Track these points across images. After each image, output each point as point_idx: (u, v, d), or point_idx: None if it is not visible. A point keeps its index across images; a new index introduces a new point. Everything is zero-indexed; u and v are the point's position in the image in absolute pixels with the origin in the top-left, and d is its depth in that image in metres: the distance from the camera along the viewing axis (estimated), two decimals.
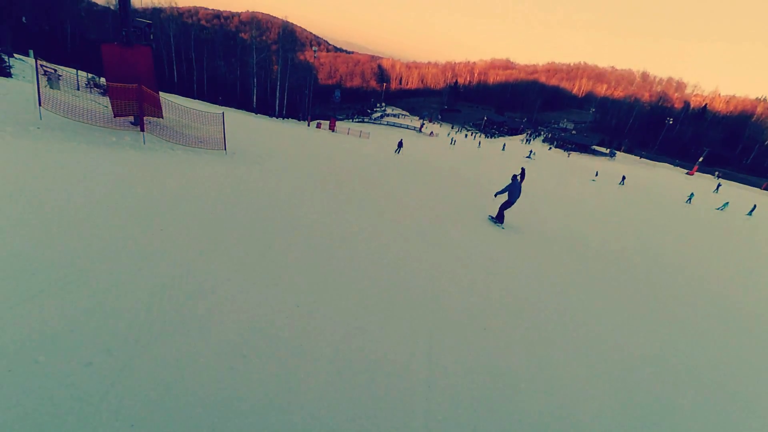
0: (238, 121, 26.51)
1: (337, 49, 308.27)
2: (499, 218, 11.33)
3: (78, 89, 18.48)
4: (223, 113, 13.63)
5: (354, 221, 8.96)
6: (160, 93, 13.17)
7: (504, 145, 74.47)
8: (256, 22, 57.39)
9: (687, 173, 71.26)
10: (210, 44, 65.83)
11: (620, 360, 5.04)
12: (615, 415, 3.90)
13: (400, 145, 34.56)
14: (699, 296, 9.05)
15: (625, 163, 75.13)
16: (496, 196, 11.67)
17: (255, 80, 57.28)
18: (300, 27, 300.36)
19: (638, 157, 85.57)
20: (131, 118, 12.69)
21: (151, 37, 13.45)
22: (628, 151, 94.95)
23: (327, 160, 18.83)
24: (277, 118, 54.85)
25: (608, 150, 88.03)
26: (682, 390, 4.66)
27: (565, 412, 3.77)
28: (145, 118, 11.72)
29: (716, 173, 72.75)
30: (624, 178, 43.09)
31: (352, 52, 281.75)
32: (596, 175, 46.39)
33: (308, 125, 49.53)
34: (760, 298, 10.00)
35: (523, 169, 10.92)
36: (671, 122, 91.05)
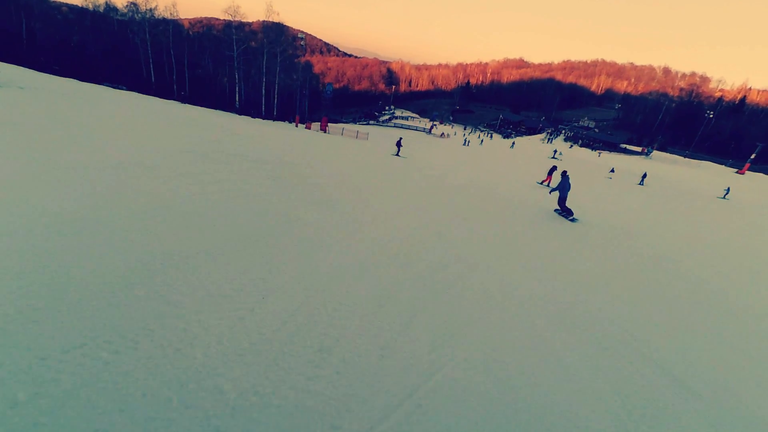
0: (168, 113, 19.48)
1: (346, 55, 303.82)
2: (566, 212, 11.99)
3: None
4: None
5: None
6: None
7: (513, 143, 69.43)
8: (236, 12, 50.12)
9: (737, 172, 62.10)
10: (193, 43, 59.65)
11: None
12: None
13: (399, 144, 27.21)
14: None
15: (665, 162, 66.45)
16: (550, 193, 13.14)
17: (237, 76, 50.53)
18: (310, 34, 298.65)
19: (682, 157, 75.57)
20: None
21: None
22: (661, 148, 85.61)
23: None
24: (264, 119, 48.04)
25: (644, 148, 78.89)
26: None
27: None
28: None
29: None
30: (645, 175, 35.25)
31: (361, 58, 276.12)
32: (611, 171, 41.19)
33: (296, 126, 42.62)
34: None
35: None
36: (711, 116, 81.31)
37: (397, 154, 26.35)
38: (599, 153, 70.41)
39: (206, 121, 20.31)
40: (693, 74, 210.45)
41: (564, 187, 11.76)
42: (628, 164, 55.85)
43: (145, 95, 42.46)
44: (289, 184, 9.28)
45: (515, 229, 9.65)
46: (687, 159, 72.31)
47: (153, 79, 53.31)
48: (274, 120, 51.03)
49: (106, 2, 62.33)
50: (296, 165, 12.49)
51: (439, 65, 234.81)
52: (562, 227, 10.67)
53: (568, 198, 12.04)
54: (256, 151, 13.59)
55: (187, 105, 37.45)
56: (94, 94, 20.08)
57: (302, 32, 49.93)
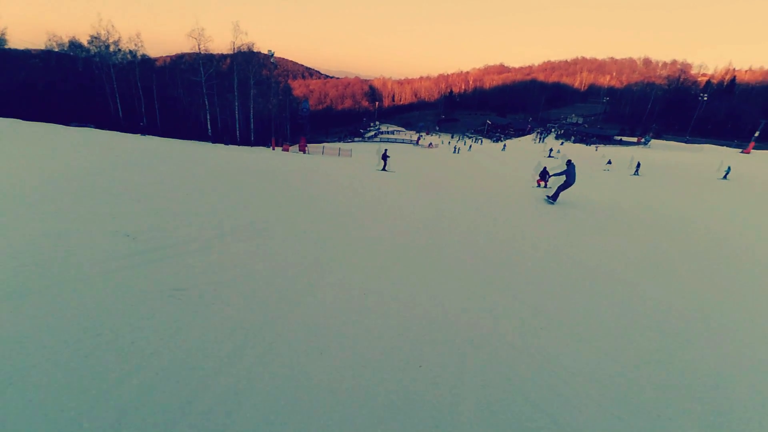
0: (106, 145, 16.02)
1: (328, 77, 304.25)
2: (554, 197, 12.28)
3: None
4: None
5: None
6: None
7: (504, 146, 70.20)
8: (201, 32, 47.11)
9: (742, 152, 59.33)
10: (162, 75, 56.82)
11: None
12: None
13: (385, 157, 23.93)
14: None
15: (665, 149, 63.98)
16: (552, 175, 12.78)
17: (207, 103, 47.47)
18: (291, 60, 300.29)
19: (683, 143, 72.82)
20: None
21: None
22: (656, 136, 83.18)
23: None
24: (239, 145, 44.89)
25: (640, 138, 76.54)
26: None
27: None
28: None
29: None
30: (639, 165, 33.13)
31: (343, 78, 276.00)
32: (608, 163, 40.85)
33: (273, 149, 39.55)
34: None
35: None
36: (705, 98, 79.05)
37: (384, 169, 23.13)
38: (596, 147, 67.81)
39: (143, 150, 17.00)
40: (674, 62, 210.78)
41: (570, 173, 11.74)
42: (626, 155, 53.39)
43: (107, 131, 39.30)
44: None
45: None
46: (689, 144, 69.59)
47: (121, 114, 50.18)
48: (251, 146, 47.92)
49: (71, 41, 59.57)
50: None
51: (421, 78, 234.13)
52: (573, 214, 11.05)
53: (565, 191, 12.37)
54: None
55: (148, 137, 34.17)
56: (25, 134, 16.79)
57: (271, 50, 46.57)
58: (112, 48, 52.98)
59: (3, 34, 54.21)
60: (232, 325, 3.53)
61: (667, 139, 79.33)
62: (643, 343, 3.79)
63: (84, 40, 56.53)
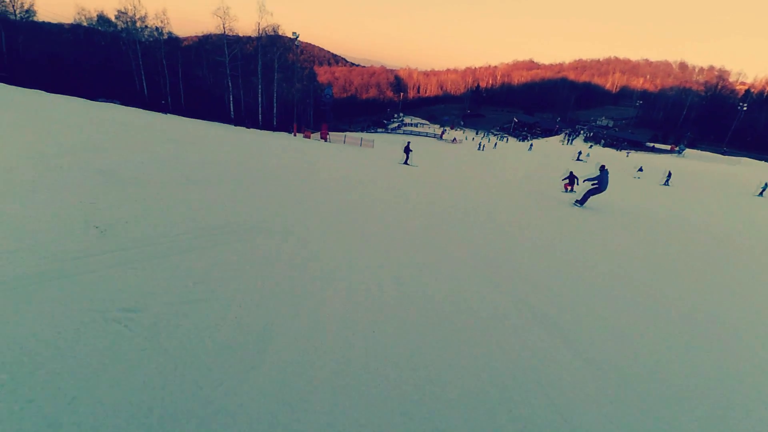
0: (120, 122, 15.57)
1: (353, 65, 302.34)
2: (582, 201, 12.27)
3: None
4: None
5: None
6: None
7: (531, 145, 68.03)
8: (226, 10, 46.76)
9: None
10: (188, 54, 56.82)
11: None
12: None
13: (408, 150, 22.95)
14: None
15: (701, 159, 61.21)
16: (584, 181, 12.70)
17: (230, 84, 47.16)
18: (317, 46, 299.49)
19: (720, 154, 69.69)
20: None
21: None
22: (690, 145, 79.75)
23: None
24: (261, 129, 44.56)
25: (675, 146, 73.56)
26: None
27: None
28: None
29: None
30: (670, 175, 31.03)
31: (368, 66, 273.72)
32: (639, 170, 38.68)
33: (294, 135, 39.11)
34: None
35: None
36: (745, 108, 75.25)
37: (406, 162, 22.27)
38: (627, 153, 65.32)
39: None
40: (711, 68, 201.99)
41: (602, 179, 11.77)
42: (658, 163, 51.26)
43: (130, 108, 39.41)
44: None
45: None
46: (725, 156, 66.40)
47: (146, 91, 50.37)
48: (273, 131, 47.60)
49: (99, 15, 60.02)
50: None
51: (448, 70, 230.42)
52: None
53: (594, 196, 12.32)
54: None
55: (169, 116, 34.03)
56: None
57: (295, 32, 45.63)
58: (138, 24, 53.07)
59: (31, 6, 54.88)
60: (200, 366, 2.54)
61: (702, 149, 76.03)
62: (643, 344, 3.81)
63: (111, 15, 56.90)
